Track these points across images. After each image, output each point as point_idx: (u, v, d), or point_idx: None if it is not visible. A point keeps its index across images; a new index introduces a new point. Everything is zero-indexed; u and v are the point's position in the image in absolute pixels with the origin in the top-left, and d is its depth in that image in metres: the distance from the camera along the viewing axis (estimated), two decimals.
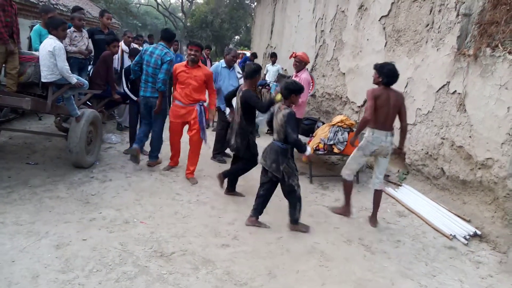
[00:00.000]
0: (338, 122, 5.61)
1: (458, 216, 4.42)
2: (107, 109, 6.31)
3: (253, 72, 4.36)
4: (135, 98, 5.59)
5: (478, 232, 4.15)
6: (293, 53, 5.82)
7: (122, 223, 3.68)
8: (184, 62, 4.90)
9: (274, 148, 3.80)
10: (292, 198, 3.89)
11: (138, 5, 34.65)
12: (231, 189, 4.70)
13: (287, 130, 3.65)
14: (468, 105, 4.46)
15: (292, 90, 3.73)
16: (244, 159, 4.49)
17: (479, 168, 4.28)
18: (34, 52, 4.90)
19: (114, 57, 6.61)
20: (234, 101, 5.59)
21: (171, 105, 5.05)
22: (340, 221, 4.33)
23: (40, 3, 8.47)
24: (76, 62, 5.65)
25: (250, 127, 4.41)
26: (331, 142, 5.42)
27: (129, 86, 5.65)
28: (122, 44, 6.79)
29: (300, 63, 5.61)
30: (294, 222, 3.94)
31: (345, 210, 4.46)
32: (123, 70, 5.77)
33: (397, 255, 3.70)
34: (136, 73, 5.21)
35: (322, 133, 5.54)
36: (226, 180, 4.65)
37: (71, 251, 3.12)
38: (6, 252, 2.99)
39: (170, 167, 5.34)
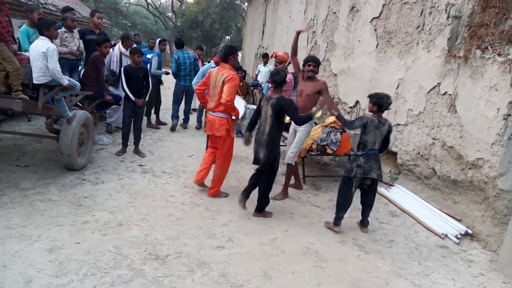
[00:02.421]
0: (331, 123, 5.64)
1: (450, 216, 4.49)
2: (98, 110, 6.25)
3: (284, 80, 4.13)
4: (133, 98, 5.55)
5: (469, 231, 4.22)
6: (274, 53, 5.91)
7: (116, 226, 3.65)
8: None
9: (376, 157, 4.05)
10: (373, 200, 4.23)
11: (128, 4, 34.34)
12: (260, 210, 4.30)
13: (390, 138, 4.16)
14: (459, 106, 4.53)
15: (390, 104, 4.07)
16: (266, 172, 4.17)
17: (470, 168, 4.35)
18: (23, 53, 4.83)
19: (112, 59, 6.58)
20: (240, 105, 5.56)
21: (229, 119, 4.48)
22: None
23: (29, 2, 8.35)
24: (67, 63, 5.58)
25: (278, 137, 4.17)
26: (324, 143, 5.44)
27: (128, 86, 5.60)
28: (120, 46, 6.74)
29: (281, 63, 5.72)
30: (368, 223, 4.25)
31: (285, 193, 4.90)
32: (122, 70, 5.68)
33: (391, 255, 3.74)
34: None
35: (315, 133, 5.56)
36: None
37: (65, 254, 3.08)
38: None
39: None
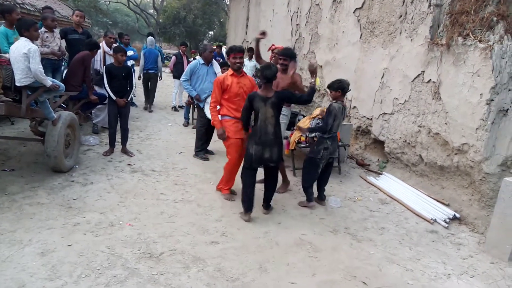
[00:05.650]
0: (318, 115, 5.67)
1: (438, 201, 4.58)
2: (84, 110, 6.15)
3: (275, 75, 3.95)
4: (114, 98, 5.45)
5: (457, 215, 4.32)
6: (272, 45, 5.84)
7: (108, 226, 3.62)
8: (228, 73, 4.41)
9: (336, 137, 4.46)
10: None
11: (108, 2, 33.73)
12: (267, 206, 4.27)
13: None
14: (443, 93, 4.61)
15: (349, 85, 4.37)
16: (276, 168, 4.07)
17: (456, 154, 4.44)
18: (3, 55, 4.71)
19: (96, 58, 6.50)
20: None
21: (223, 121, 4.37)
22: (325, 212, 4.40)
23: (5, 2, 8.13)
24: (49, 64, 5.47)
25: (281, 130, 4.14)
26: (313, 135, 5.47)
27: (110, 85, 5.48)
28: (103, 45, 6.62)
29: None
30: (325, 197, 4.58)
31: (287, 183, 5.01)
32: (104, 69, 5.56)
33: (382, 242, 3.80)
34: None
35: (303, 126, 5.58)
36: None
37: (57, 257, 3.04)
38: None
39: (231, 196, 4.57)
